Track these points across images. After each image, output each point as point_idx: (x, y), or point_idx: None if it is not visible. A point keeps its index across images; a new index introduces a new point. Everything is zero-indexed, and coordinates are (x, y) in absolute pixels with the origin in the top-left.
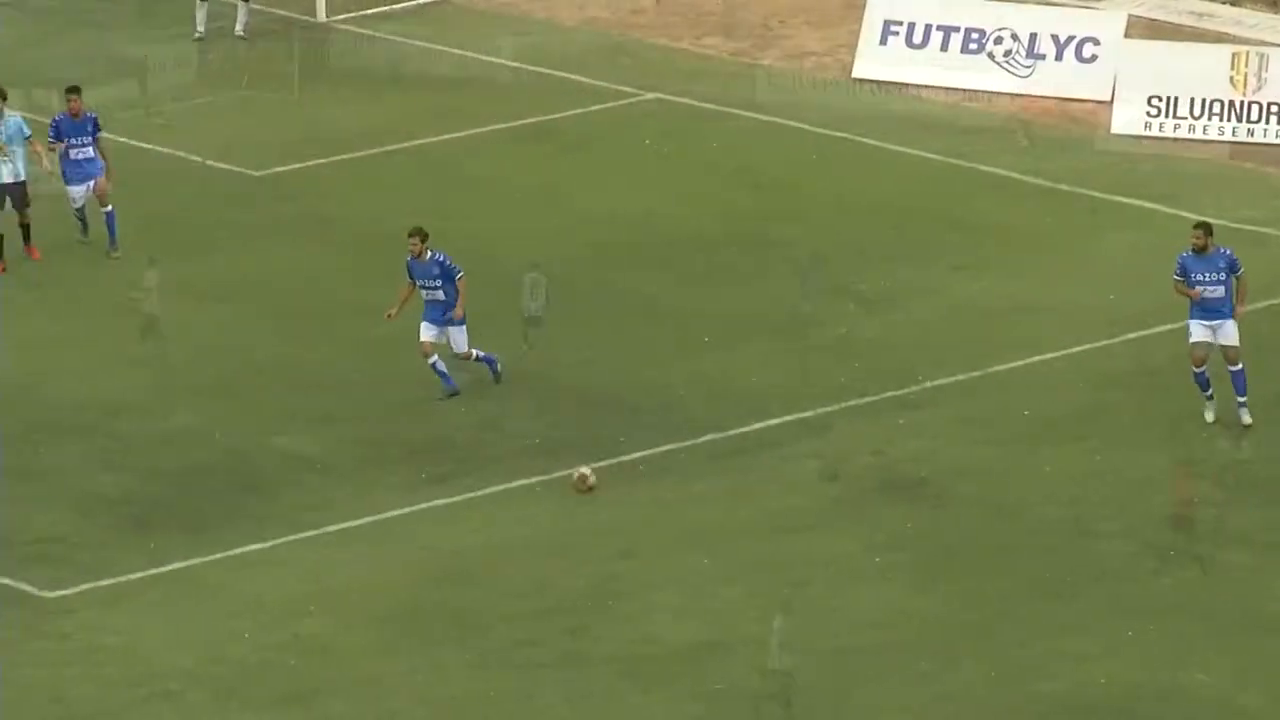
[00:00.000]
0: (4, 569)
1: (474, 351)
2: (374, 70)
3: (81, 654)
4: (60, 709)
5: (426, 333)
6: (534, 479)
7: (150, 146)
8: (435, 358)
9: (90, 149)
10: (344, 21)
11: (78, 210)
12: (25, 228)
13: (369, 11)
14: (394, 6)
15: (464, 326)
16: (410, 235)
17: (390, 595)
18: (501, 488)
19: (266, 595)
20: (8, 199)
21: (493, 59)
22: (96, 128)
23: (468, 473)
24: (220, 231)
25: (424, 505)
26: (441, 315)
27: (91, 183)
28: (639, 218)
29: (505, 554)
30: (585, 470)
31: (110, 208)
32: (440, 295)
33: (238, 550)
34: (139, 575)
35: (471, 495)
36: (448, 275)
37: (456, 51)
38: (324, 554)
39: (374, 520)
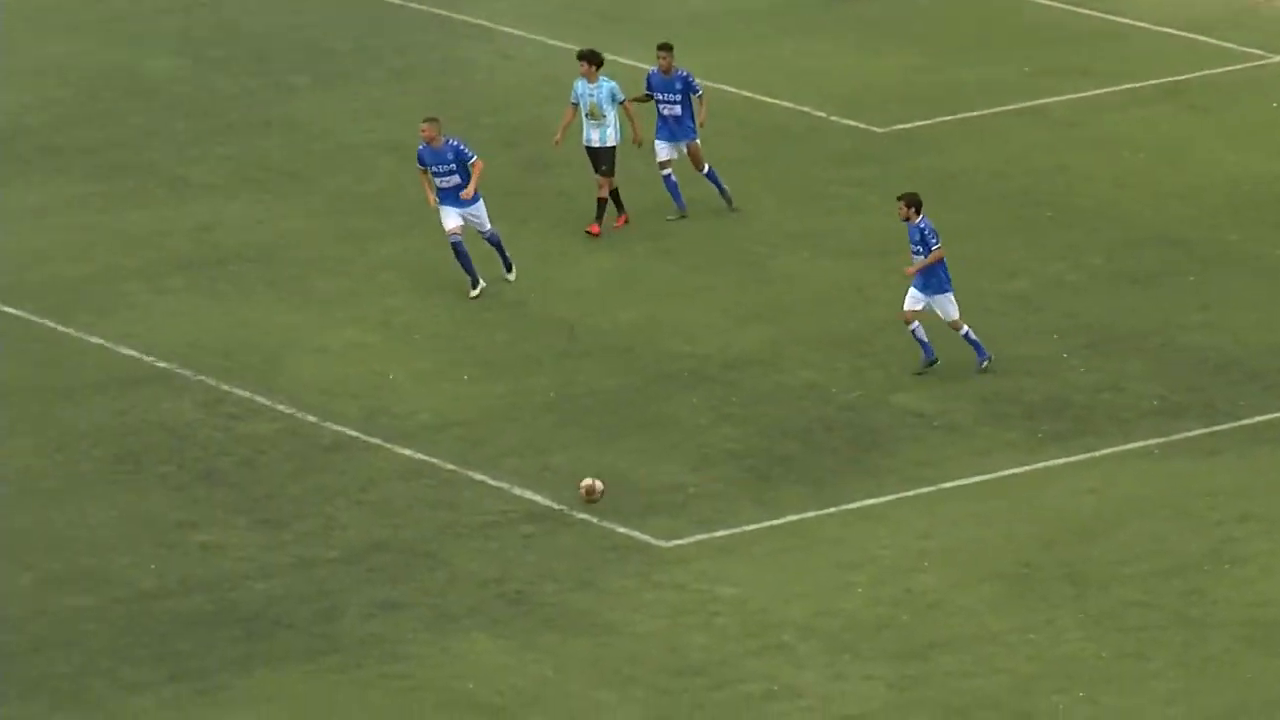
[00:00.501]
0: (623, 519)
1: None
2: (995, 27)
3: (696, 604)
4: (675, 658)
5: None
6: (1152, 440)
7: (773, 101)
8: (915, 324)
9: (678, 108)
10: None
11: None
12: (611, 196)
13: None
14: None
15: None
16: (424, 121)
17: (1003, 553)
18: (1119, 449)
19: (880, 550)
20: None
21: (1120, 19)
22: (687, 86)
23: (1085, 433)
24: (841, 187)
25: (1040, 464)
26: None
27: (684, 145)
28: (1266, 180)
29: (1121, 514)
30: (590, 481)
31: (707, 167)
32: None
33: (853, 504)
34: (754, 527)
35: (1089, 455)
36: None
37: (1084, 11)
38: (938, 510)
39: (989, 478)
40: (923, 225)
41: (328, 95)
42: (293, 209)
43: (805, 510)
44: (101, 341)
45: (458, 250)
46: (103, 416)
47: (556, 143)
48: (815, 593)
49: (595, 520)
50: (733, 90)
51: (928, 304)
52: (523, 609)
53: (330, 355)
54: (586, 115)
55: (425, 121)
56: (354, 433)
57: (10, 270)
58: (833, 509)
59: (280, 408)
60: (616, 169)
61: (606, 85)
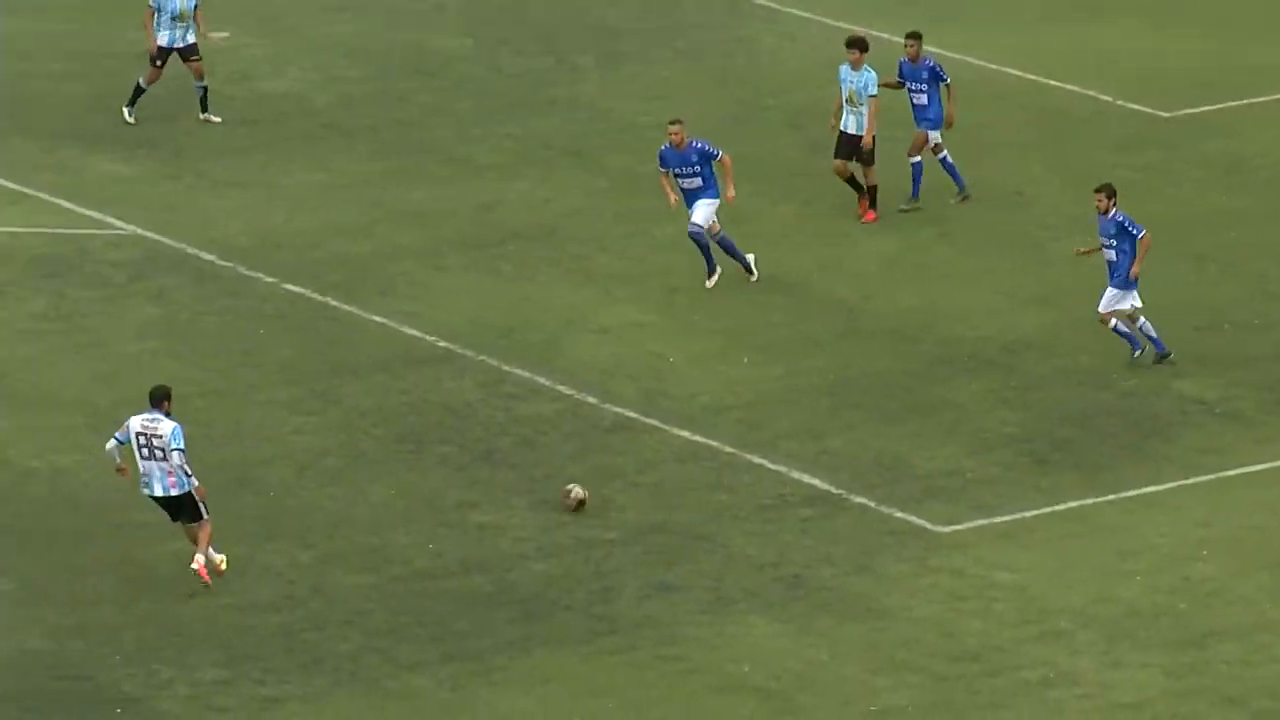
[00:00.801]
0: (900, 503)
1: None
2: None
3: (973, 590)
4: (951, 643)
5: None
6: None
7: (1057, 84)
8: (1114, 321)
9: (924, 96)
10: None
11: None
12: (871, 190)
13: None
14: None
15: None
16: (671, 124)
17: None
18: None
19: (1159, 538)
20: (852, 152)
21: None
22: (934, 75)
23: None
24: (1125, 172)
25: None
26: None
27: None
28: None
29: None
30: (571, 488)
31: (919, 159)
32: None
33: (1132, 492)
34: (1033, 513)
35: None
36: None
37: None
38: (1219, 498)
39: (1271, 466)
40: (1120, 218)
41: (613, 75)
42: (575, 188)
43: (1084, 497)
44: (384, 320)
45: (697, 241)
46: (385, 396)
47: (831, 128)
48: (1093, 579)
49: (873, 505)
50: (1016, 73)
51: (1122, 298)
52: (799, 592)
53: (610, 336)
54: (846, 101)
55: (672, 124)
56: (633, 414)
57: (295, 248)
58: (1111, 496)
59: (560, 388)
60: (877, 159)
61: (867, 75)
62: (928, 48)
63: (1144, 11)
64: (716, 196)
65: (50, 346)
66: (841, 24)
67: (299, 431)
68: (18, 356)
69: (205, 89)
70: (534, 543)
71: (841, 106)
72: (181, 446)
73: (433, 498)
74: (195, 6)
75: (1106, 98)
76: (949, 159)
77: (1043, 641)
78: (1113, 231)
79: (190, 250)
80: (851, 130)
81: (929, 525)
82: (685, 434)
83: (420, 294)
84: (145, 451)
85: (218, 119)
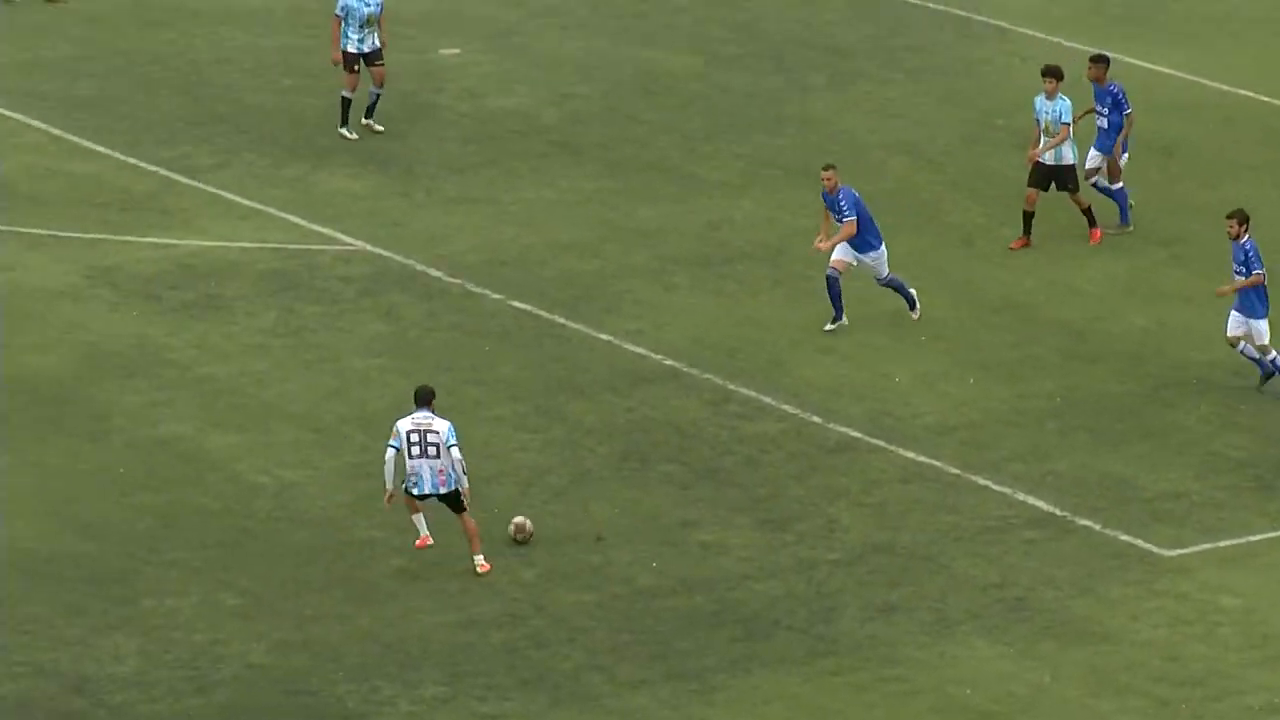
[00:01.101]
0: (1125, 526)
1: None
2: None
3: (1198, 614)
4: (1175, 667)
5: None
6: None
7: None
8: (1242, 344)
9: (1104, 120)
10: None
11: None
12: (1087, 211)
13: None
14: None
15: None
16: (824, 169)
17: None
18: None
19: None
20: (1052, 182)
21: None
22: (1115, 101)
23: None
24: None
25: None
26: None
27: (1106, 157)
28: None
29: None
30: (520, 520)
31: (1120, 185)
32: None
33: None
34: (1258, 537)
35: None
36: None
37: None
38: None
39: None
40: (1248, 245)
41: (842, 95)
42: (803, 208)
43: None
44: (610, 338)
45: (830, 284)
46: (609, 413)
47: (1032, 158)
48: None
49: (1098, 527)
50: (1252, 95)
51: (1248, 326)
52: (1022, 615)
53: (836, 355)
54: (1044, 132)
55: (825, 169)
56: (857, 434)
57: (522, 265)
58: None
59: (785, 408)
60: (1080, 185)
61: (1061, 103)
62: (1159, 69)
63: None
64: (879, 243)
65: (279, 361)
66: (1073, 44)
67: (523, 449)
68: (247, 371)
69: (379, 96)
70: (756, 562)
71: (1039, 137)
72: (457, 442)
73: (656, 516)
74: (381, 11)
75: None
76: (1102, 183)
77: (1267, 667)
78: (1240, 258)
79: (419, 266)
80: (1050, 161)
81: (1154, 548)
82: (910, 454)
83: (646, 312)
84: (416, 450)
85: (380, 128)
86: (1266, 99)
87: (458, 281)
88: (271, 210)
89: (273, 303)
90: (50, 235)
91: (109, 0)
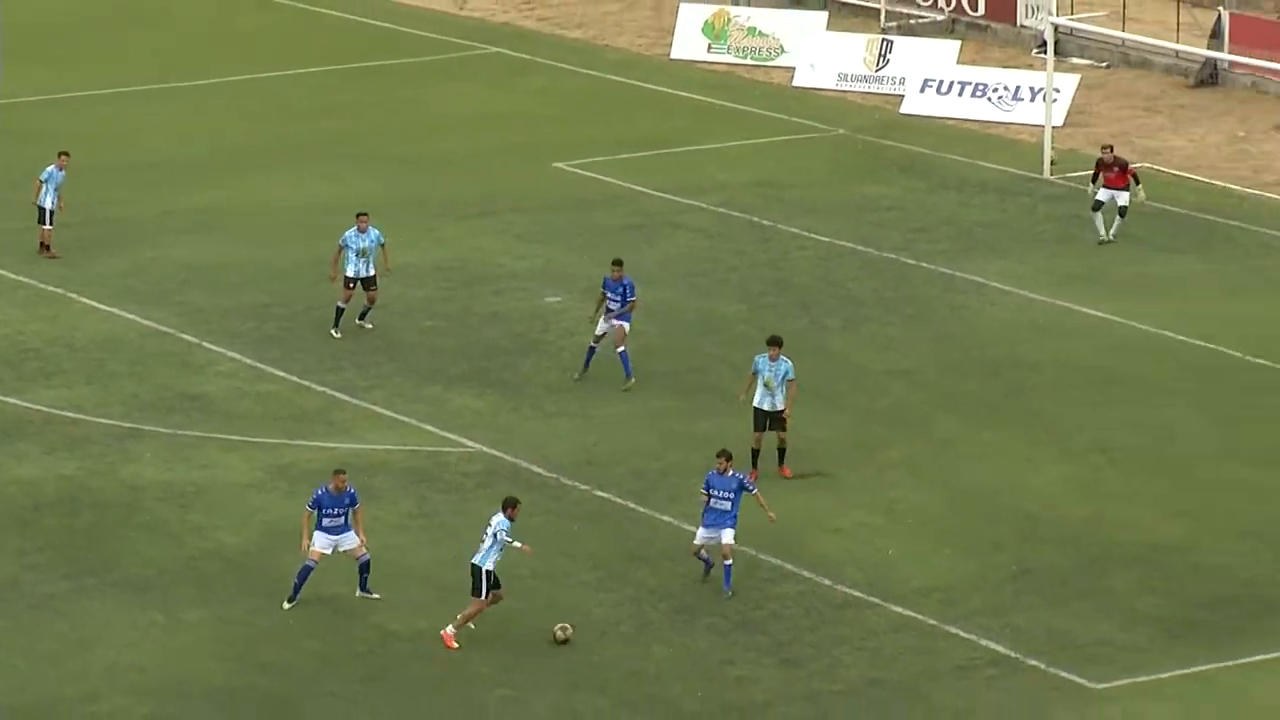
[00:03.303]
0: (1065, 665)
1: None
2: None
3: None
4: None
5: None
6: None
7: (1198, 343)
8: None
9: (615, 304)
10: None
11: None
12: (782, 450)
13: None
14: None
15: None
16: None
17: None
18: None
19: (1267, 696)
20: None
21: None
22: (627, 293)
23: None
24: (1255, 410)
25: None
26: None
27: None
28: None
29: None
30: (562, 628)
31: (622, 349)
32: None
33: (1247, 659)
34: (1168, 674)
35: None
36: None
37: None
38: None
39: None
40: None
41: (855, 334)
42: (820, 424)
43: (1209, 663)
44: (670, 519)
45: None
46: (669, 578)
47: (739, 398)
48: None
49: (1043, 666)
50: (1172, 335)
51: None
52: None
53: (842, 534)
54: (763, 385)
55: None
56: (858, 594)
57: (605, 464)
58: (1230, 662)
59: (803, 573)
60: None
61: (784, 364)
62: (1107, 315)
63: (1274, 286)
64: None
65: (415, 538)
66: (1035, 295)
67: (600, 605)
68: (390, 545)
69: (370, 308)
70: (777, 692)
71: (754, 387)
72: (505, 535)
73: (701, 656)
74: (380, 246)
75: (1237, 354)
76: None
77: None
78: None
79: (523, 464)
80: (766, 408)
81: (1087, 683)
82: (898, 609)
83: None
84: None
85: (370, 326)
86: (1183, 339)
87: (554, 476)
88: (411, 421)
89: (411, 492)
90: (242, 440)
91: (289, 259)
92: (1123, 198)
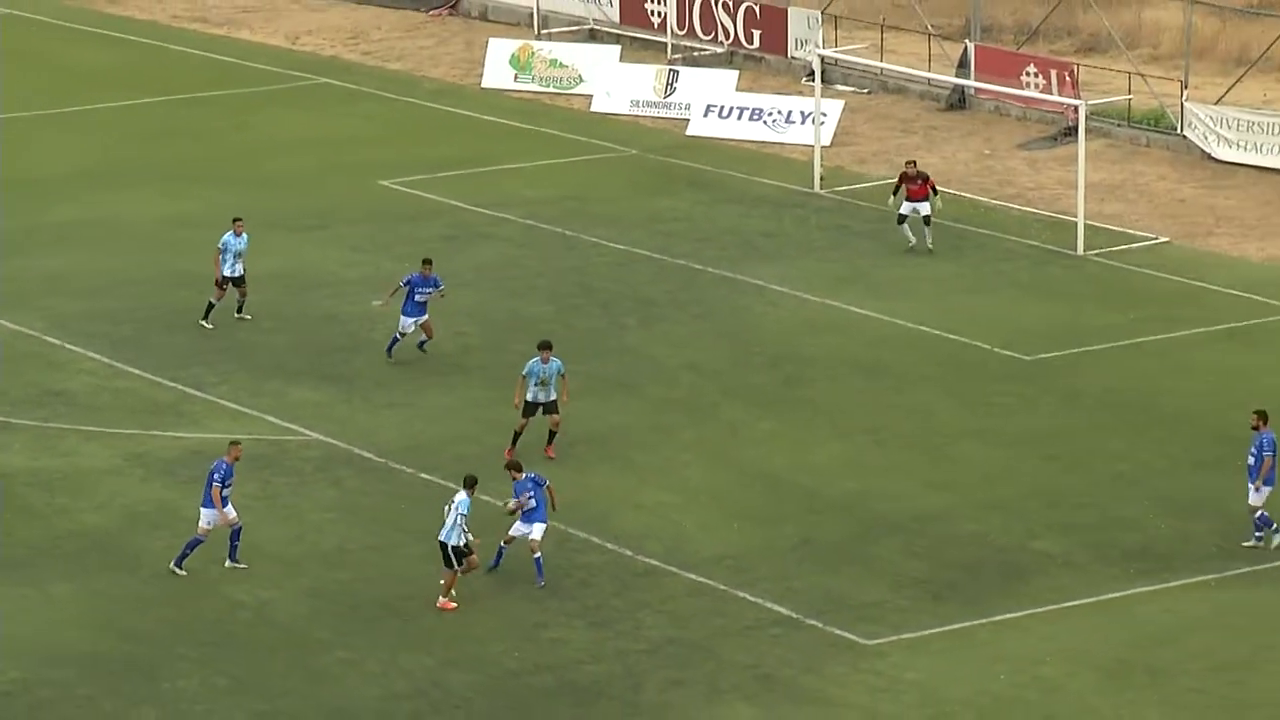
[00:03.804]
0: (840, 624)
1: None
2: (1108, 288)
3: (889, 685)
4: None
5: None
6: (1210, 576)
7: (953, 336)
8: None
9: (424, 297)
10: None
11: None
12: (554, 433)
13: None
14: None
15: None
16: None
17: (1104, 652)
18: (1187, 581)
19: (1016, 648)
20: (539, 409)
21: (1196, 282)
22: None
23: (1163, 570)
24: (1000, 397)
25: (1132, 591)
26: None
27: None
28: None
29: (1187, 627)
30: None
31: (424, 340)
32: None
33: (999, 617)
34: (930, 631)
35: (1165, 585)
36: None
37: (1170, 277)
38: (1059, 622)
39: (1096, 599)
40: (1264, 437)
41: (649, 331)
42: (624, 410)
43: (965, 620)
44: (488, 499)
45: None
46: (488, 548)
47: (516, 404)
48: (971, 678)
49: (821, 625)
50: (928, 330)
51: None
52: (769, 686)
53: (644, 510)
54: (538, 384)
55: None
56: (657, 563)
57: (429, 449)
58: (984, 620)
59: (608, 545)
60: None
61: (555, 363)
62: (870, 313)
63: (1012, 288)
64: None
65: (259, 516)
66: (808, 296)
67: (428, 576)
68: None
69: (244, 301)
70: (587, 651)
71: (526, 389)
72: (464, 512)
73: (518, 620)
74: (246, 248)
75: (986, 346)
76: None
77: None
78: (1255, 448)
79: (356, 450)
80: (542, 399)
81: (859, 639)
82: (693, 576)
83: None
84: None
85: (249, 317)
86: (939, 333)
87: (384, 460)
88: (255, 413)
89: (255, 476)
90: (102, 431)
91: (141, 269)
92: (924, 208)
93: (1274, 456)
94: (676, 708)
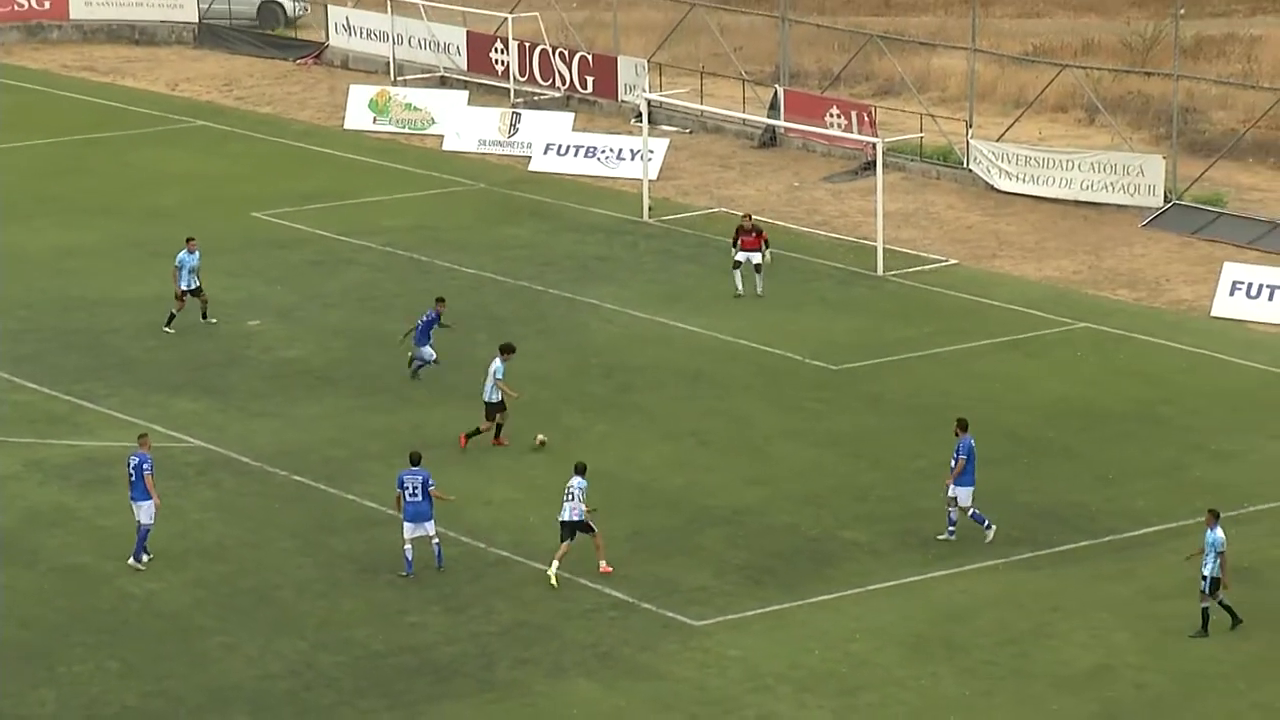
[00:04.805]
0: (671, 607)
1: None
2: (911, 305)
3: (715, 660)
4: (702, 693)
5: None
6: (999, 560)
7: (767, 349)
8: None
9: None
10: None
11: None
12: (500, 426)
13: None
14: None
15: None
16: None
17: (905, 629)
18: (979, 565)
19: (828, 626)
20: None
21: (983, 299)
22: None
23: (959, 554)
24: (812, 404)
25: (930, 575)
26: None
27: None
28: (1069, 398)
29: (978, 606)
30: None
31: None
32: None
33: (813, 599)
34: (752, 613)
35: (960, 569)
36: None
37: (960, 295)
38: (866, 602)
39: (899, 583)
40: (962, 443)
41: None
42: (473, 416)
43: (783, 602)
44: (354, 498)
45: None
46: (357, 544)
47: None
48: (787, 653)
49: (654, 609)
50: (746, 343)
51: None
52: (608, 664)
53: (493, 506)
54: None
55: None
56: (505, 553)
57: (300, 454)
58: (799, 602)
59: (462, 538)
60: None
61: (499, 364)
62: (691, 328)
63: (821, 306)
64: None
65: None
66: (639, 313)
67: (299, 568)
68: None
69: (206, 306)
70: (445, 634)
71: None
72: (582, 488)
73: (381, 606)
74: (199, 262)
75: (798, 357)
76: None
77: (757, 692)
78: (957, 451)
79: (234, 455)
80: (490, 400)
81: (689, 620)
82: (539, 565)
83: (378, 481)
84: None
85: (214, 320)
86: (755, 345)
87: (259, 464)
88: (142, 422)
89: None
90: (1, 440)
91: (37, 292)
92: (756, 257)
93: (969, 459)
94: (525, 684)
